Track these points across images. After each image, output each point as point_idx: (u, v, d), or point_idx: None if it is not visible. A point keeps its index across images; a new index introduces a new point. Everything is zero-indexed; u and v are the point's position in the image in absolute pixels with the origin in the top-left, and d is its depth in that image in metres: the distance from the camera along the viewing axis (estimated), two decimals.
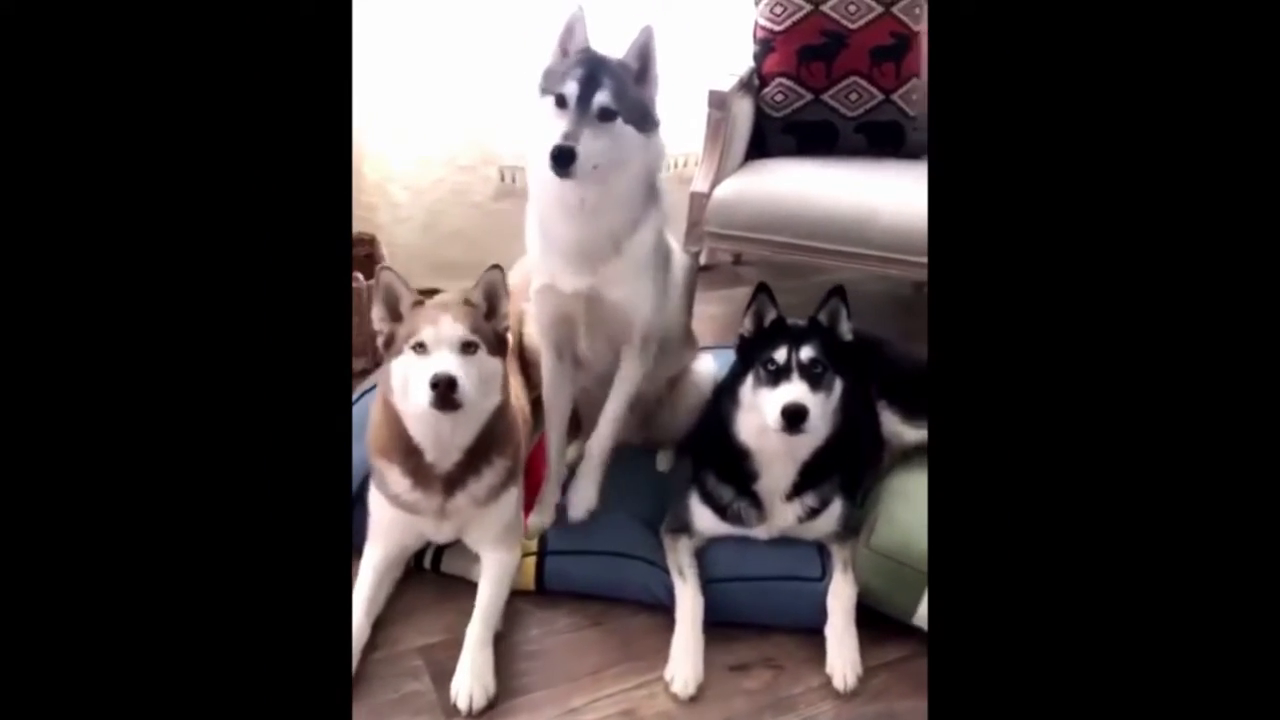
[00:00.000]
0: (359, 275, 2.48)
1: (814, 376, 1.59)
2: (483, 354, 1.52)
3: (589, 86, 1.52)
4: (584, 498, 1.85)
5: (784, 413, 1.54)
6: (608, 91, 1.52)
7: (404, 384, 1.50)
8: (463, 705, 1.51)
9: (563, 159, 1.48)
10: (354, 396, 2.15)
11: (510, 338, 1.62)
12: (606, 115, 1.53)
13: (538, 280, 1.74)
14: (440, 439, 1.55)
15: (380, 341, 1.57)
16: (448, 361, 1.46)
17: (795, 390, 1.56)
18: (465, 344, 1.49)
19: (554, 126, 1.52)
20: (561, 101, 1.54)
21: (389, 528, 1.67)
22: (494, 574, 1.67)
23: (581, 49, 1.59)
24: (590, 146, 1.50)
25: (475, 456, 1.60)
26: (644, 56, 1.59)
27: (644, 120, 1.59)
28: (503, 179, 2.91)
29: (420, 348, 1.48)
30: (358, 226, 2.79)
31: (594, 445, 1.87)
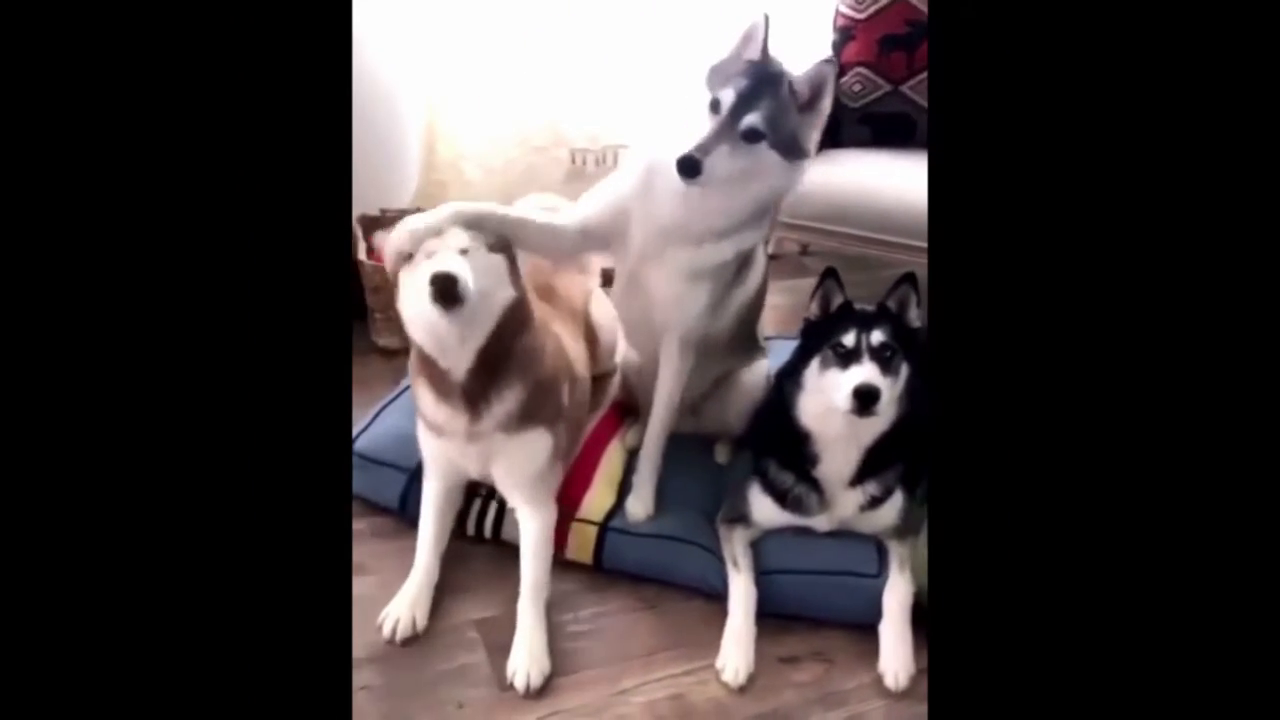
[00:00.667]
0: None
1: (884, 360, 1.56)
2: (480, 252, 1.55)
3: (745, 102, 1.47)
4: (642, 502, 1.84)
5: (856, 393, 1.52)
6: (760, 114, 1.47)
7: (413, 301, 1.54)
8: (520, 685, 1.53)
9: (688, 169, 1.45)
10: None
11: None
12: (752, 136, 1.48)
13: (608, 206, 1.71)
14: (444, 340, 1.56)
15: (397, 267, 1.61)
16: (446, 261, 1.49)
17: (867, 371, 1.54)
18: (463, 249, 1.52)
19: (697, 129, 1.49)
20: (715, 106, 1.50)
21: (433, 458, 1.75)
22: (533, 543, 1.68)
23: (752, 59, 1.53)
24: (721, 163, 1.46)
25: (492, 369, 1.60)
26: (817, 90, 1.52)
27: (792, 150, 1.53)
28: (573, 161, 2.93)
29: (428, 255, 1.52)
30: (430, 204, 2.83)
31: (646, 451, 1.86)
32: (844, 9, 2.68)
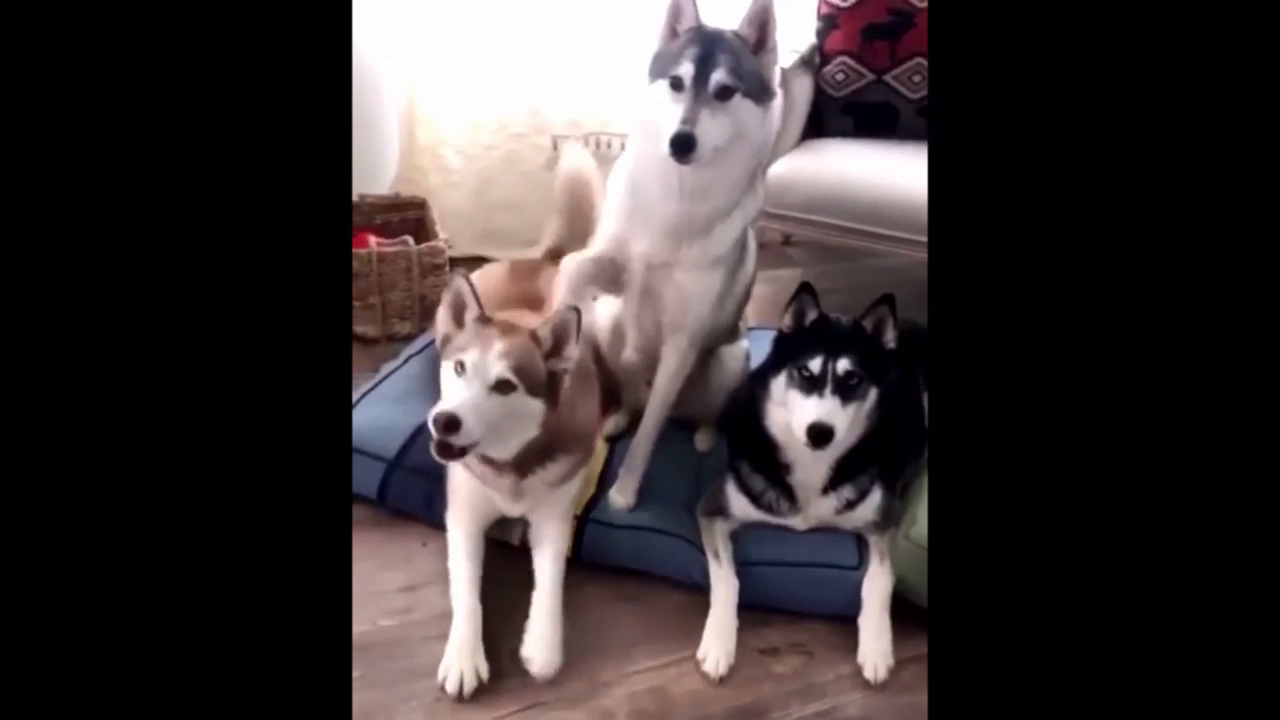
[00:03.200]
0: (409, 239, 2.50)
1: (848, 389, 1.57)
2: (519, 394, 1.46)
3: (705, 65, 1.47)
4: (626, 492, 1.83)
5: (809, 432, 1.53)
6: (724, 69, 1.48)
7: (444, 380, 1.50)
8: (536, 672, 1.52)
9: (684, 145, 1.44)
10: (400, 360, 2.18)
11: (567, 374, 1.56)
12: (725, 93, 1.49)
13: (607, 231, 1.70)
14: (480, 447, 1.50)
15: (438, 340, 1.57)
16: (460, 396, 1.41)
17: (824, 407, 1.54)
18: (500, 382, 1.44)
19: (670, 110, 1.48)
20: (677, 84, 1.49)
21: (468, 496, 1.68)
22: (553, 548, 1.68)
23: (692, 27, 1.54)
24: (709, 128, 1.47)
25: (539, 455, 1.58)
26: (762, 24, 1.53)
27: (762, 92, 1.54)
28: (555, 148, 2.90)
29: (460, 367, 1.45)
30: (409, 190, 2.81)
31: (637, 443, 1.85)
32: None
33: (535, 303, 1.96)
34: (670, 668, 1.60)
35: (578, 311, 1.52)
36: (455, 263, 2.66)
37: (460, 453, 1.43)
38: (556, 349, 1.53)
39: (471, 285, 1.54)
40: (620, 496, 1.83)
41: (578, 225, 2.16)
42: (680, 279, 1.67)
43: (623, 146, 1.79)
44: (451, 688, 1.49)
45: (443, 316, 1.56)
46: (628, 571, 1.78)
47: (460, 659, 1.52)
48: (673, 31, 1.56)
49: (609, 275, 1.72)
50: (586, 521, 1.78)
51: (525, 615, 1.59)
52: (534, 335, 1.51)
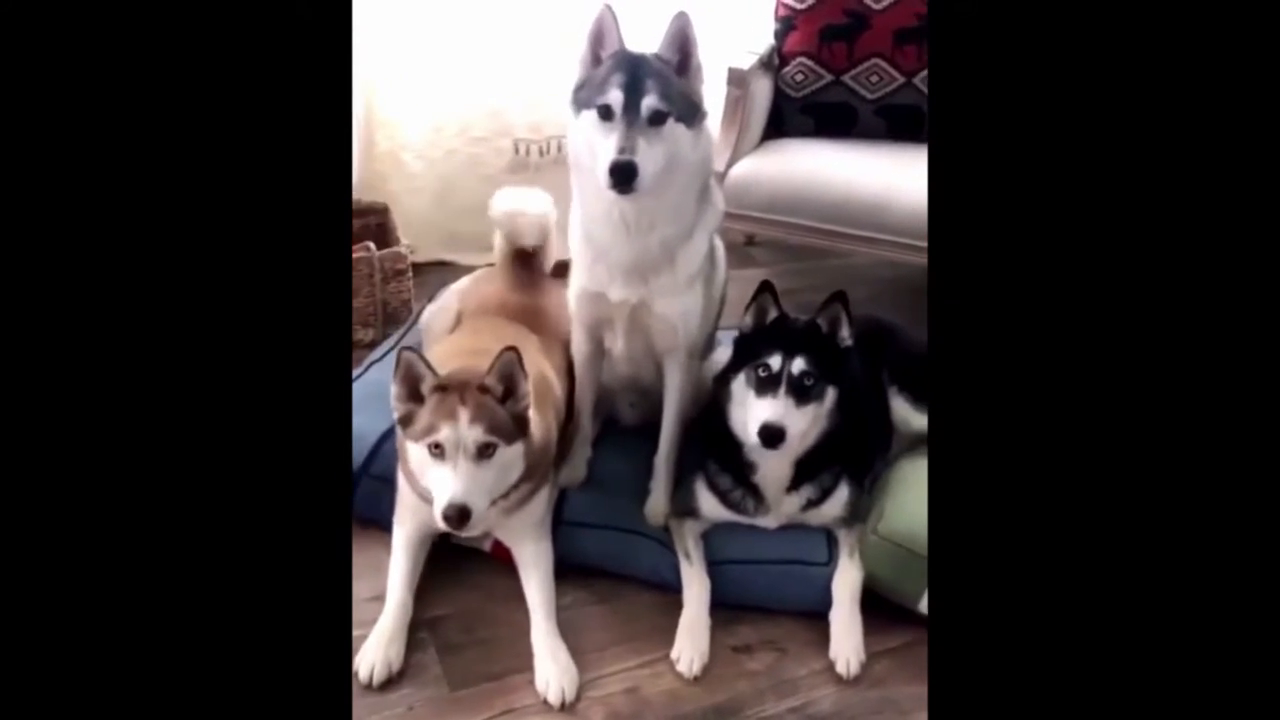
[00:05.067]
0: (370, 244, 2.48)
1: (803, 390, 1.57)
2: (501, 450, 1.46)
3: (634, 92, 1.43)
4: (656, 507, 1.82)
5: (760, 433, 1.54)
6: (654, 94, 1.44)
7: (422, 480, 1.50)
8: (554, 699, 1.51)
9: (625, 174, 1.41)
10: (362, 367, 2.16)
11: (530, 409, 1.56)
12: (658, 119, 1.45)
13: (581, 284, 1.69)
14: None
15: (396, 417, 1.53)
16: (460, 483, 1.41)
17: (778, 408, 1.55)
18: (483, 447, 1.44)
19: (603, 141, 1.44)
20: (607, 113, 1.45)
21: (415, 510, 1.65)
22: (538, 572, 1.67)
23: (615, 51, 1.50)
24: (647, 157, 1.43)
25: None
26: (683, 45, 1.50)
27: (693, 115, 1.51)
28: (516, 151, 2.89)
29: (437, 449, 1.44)
30: (370, 195, 2.78)
31: (660, 461, 1.83)
32: None
33: (537, 316, 1.95)
34: (644, 668, 1.60)
35: (516, 351, 1.49)
36: (418, 268, 2.65)
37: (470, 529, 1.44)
38: (509, 391, 1.51)
39: (422, 357, 1.50)
40: (652, 513, 1.81)
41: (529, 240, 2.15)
42: (660, 310, 1.65)
43: None
44: (363, 676, 1.51)
45: (397, 393, 1.51)
46: (600, 573, 1.77)
47: (376, 650, 1.54)
48: (595, 58, 1.52)
49: (599, 310, 1.71)
50: (558, 525, 1.78)
51: (487, 619, 1.58)
52: (483, 387, 1.49)
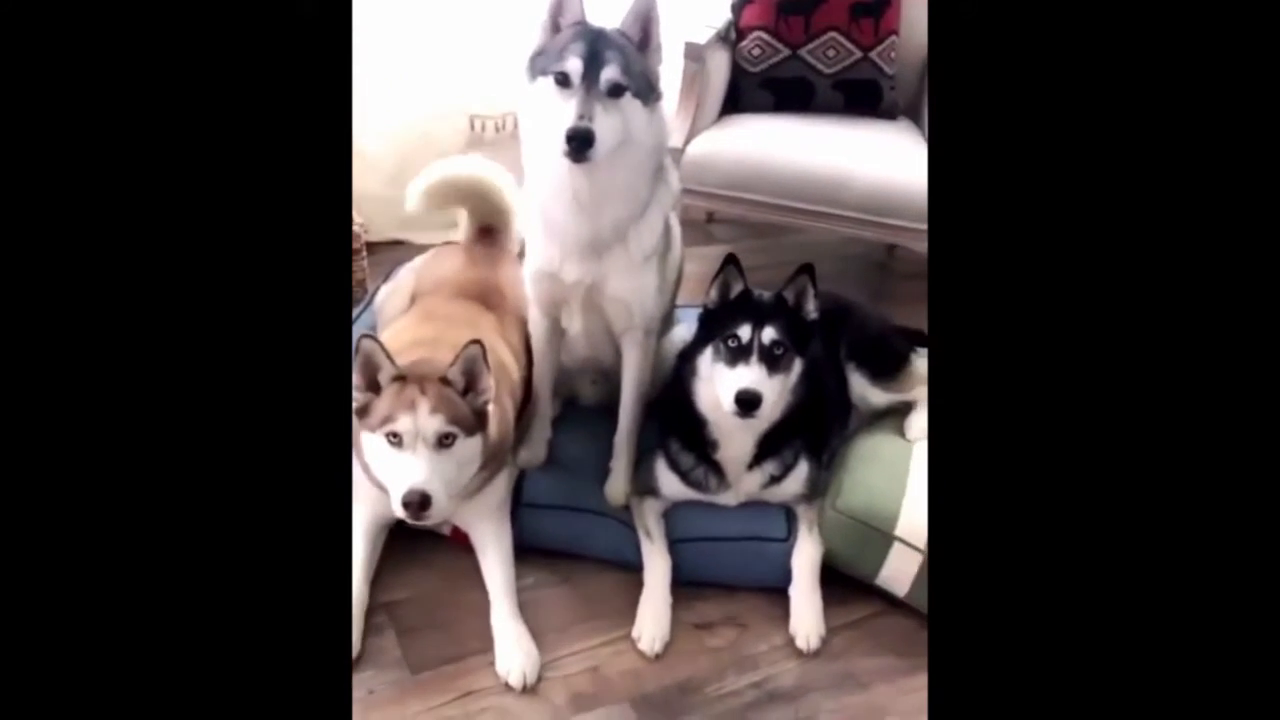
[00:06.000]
0: None
1: (774, 359, 1.57)
2: (460, 441, 1.46)
3: (594, 62, 1.41)
4: (616, 487, 1.81)
5: (737, 399, 1.54)
6: (615, 66, 1.42)
7: (380, 471, 1.47)
8: (515, 682, 1.51)
9: (580, 142, 1.38)
10: None
11: (490, 403, 1.55)
12: (615, 91, 1.43)
13: (535, 264, 1.66)
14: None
15: (355, 408, 1.48)
16: (421, 469, 1.40)
17: (752, 375, 1.54)
18: (442, 437, 1.43)
19: (560, 109, 1.41)
20: (564, 80, 1.42)
21: (372, 501, 1.62)
22: (497, 554, 1.66)
23: (576, 21, 1.48)
24: (605, 126, 1.41)
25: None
26: (645, 23, 1.49)
27: (650, 93, 1.49)
28: (473, 127, 2.85)
29: (395, 438, 1.42)
30: None
31: (620, 440, 1.82)
32: None
33: (494, 294, 1.92)
34: (605, 647, 1.61)
35: (481, 345, 1.48)
36: (372, 248, 2.60)
37: (429, 517, 1.42)
38: (471, 385, 1.50)
39: (382, 346, 1.48)
40: (613, 492, 1.80)
41: (491, 216, 2.13)
42: (614, 288, 1.64)
43: None
44: None
45: (356, 382, 1.48)
46: (560, 554, 1.77)
47: None
48: (555, 26, 1.50)
49: (553, 290, 1.69)
50: (518, 507, 1.77)
51: (446, 602, 1.57)
52: (445, 380, 1.47)
